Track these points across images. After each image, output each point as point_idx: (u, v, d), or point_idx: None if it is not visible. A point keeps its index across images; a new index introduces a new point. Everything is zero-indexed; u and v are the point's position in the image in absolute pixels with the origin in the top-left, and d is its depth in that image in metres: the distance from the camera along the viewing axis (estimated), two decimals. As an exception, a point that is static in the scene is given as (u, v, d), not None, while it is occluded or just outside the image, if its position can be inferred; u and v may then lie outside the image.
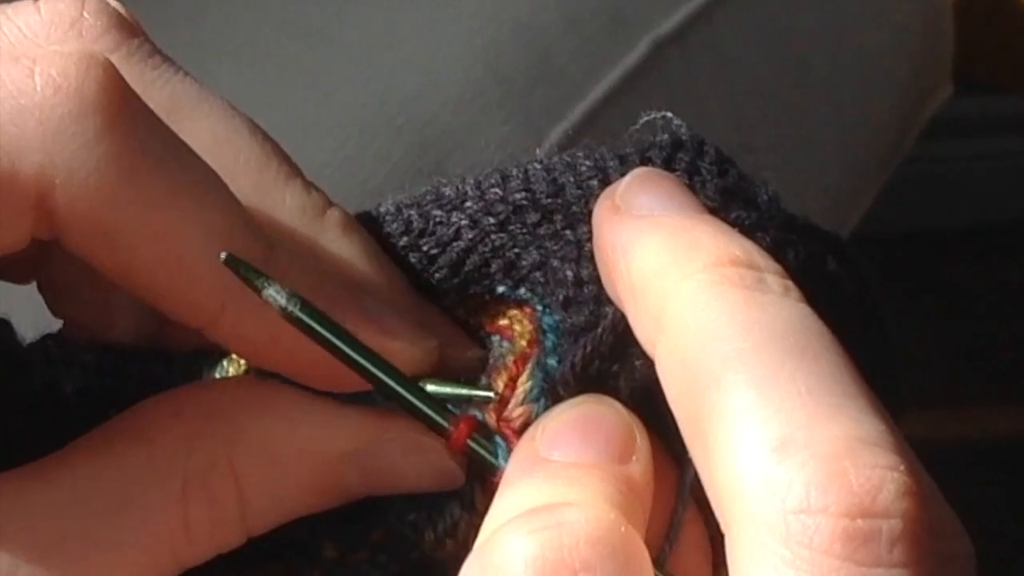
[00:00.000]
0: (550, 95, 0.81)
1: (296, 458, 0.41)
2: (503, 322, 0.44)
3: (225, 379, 0.43)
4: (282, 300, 0.40)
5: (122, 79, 0.39)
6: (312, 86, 0.78)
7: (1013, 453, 1.66)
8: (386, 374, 0.41)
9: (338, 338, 0.40)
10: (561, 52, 0.84)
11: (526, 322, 0.44)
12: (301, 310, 0.40)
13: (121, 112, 0.39)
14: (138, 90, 0.40)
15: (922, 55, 1.11)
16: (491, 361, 0.43)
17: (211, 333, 0.41)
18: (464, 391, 0.42)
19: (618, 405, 0.41)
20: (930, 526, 0.34)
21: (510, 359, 0.43)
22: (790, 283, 0.39)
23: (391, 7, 0.83)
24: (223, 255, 0.39)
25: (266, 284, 0.40)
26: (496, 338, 0.44)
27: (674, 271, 0.39)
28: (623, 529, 0.37)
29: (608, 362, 0.41)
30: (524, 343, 0.43)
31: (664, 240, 0.39)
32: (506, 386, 0.42)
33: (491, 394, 0.42)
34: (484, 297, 0.44)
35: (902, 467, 0.35)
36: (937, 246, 1.87)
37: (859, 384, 0.37)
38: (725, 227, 0.40)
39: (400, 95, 0.77)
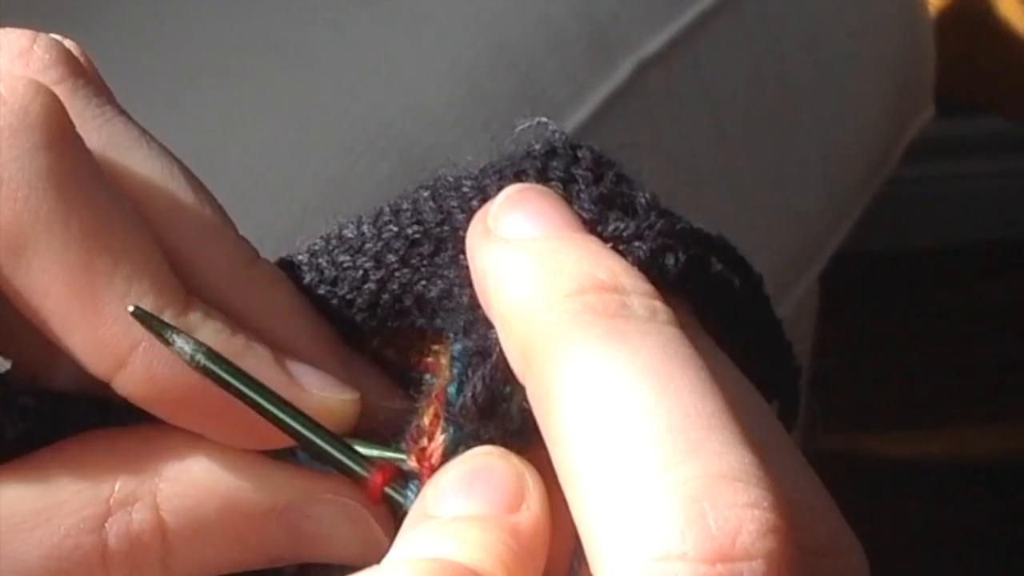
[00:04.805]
0: (534, 117, 0.81)
1: (224, 506, 0.41)
2: (430, 359, 0.44)
3: (162, 423, 0.43)
4: (188, 349, 0.40)
5: (66, 111, 0.40)
6: (297, 107, 0.78)
7: (991, 473, 1.67)
8: (299, 423, 0.41)
9: (248, 387, 0.40)
10: (545, 73, 0.84)
11: (447, 353, 0.43)
12: (207, 358, 0.40)
13: (62, 137, 0.39)
14: (76, 124, 0.41)
15: (904, 77, 1.12)
16: (421, 401, 0.43)
17: (120, 381, 0.40)
18: (387, 454, 0.42)
19: (511, 455, 0.40)
20: (800, 559, 0.33)
21: (433, 392, 0.42)
22: (658, 304, 0.37)
23: (376, 29, 0.83)
24: (131, 308, 0.39)
25: (174, 337, 0.40)
26: (428, 376, 0.43)
27: (537, 301, 0.37)
28: None
29: (501, 385, 0.40)
30: (447, 374, 0.43)
31: (529, 267, 0.38)
32: (431, 421, 0.42)
33: (403, 456, 0.42)
34: (409, 333, 0.44)
35: (765, 502, 0.33)
36: (918, 267, 1.88)
37: (725, 411, 0.35)
38: (595, 245, 0.39)
39: (384, 116, 0.77)
